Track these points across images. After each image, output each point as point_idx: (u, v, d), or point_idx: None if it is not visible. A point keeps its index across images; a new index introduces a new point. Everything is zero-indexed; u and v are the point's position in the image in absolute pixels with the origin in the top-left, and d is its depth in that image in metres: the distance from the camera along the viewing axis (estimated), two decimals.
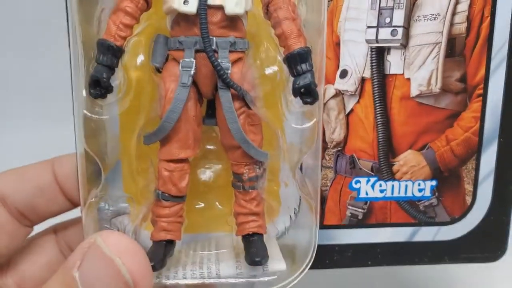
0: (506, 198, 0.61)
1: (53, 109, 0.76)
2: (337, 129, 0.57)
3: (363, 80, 0.56)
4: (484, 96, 0.58)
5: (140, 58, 0.43)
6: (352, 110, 0.57)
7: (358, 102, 0.57)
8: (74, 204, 0.57)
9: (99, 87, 0.41)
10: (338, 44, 0.55)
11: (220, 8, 0.42)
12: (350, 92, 0.57)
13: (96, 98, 0.41)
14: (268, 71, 0.44)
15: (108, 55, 0.41)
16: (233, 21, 0.42)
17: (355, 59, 0.56)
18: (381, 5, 0.55)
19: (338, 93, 0.57)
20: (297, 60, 0.42)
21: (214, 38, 0.42)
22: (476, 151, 0.59)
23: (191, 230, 0.50)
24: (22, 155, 0.88)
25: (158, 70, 0.45)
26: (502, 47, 0.57)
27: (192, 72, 0.42)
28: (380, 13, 0.55)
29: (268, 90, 0.43)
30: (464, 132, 0.59)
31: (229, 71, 0.42)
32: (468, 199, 0.61)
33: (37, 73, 0.90)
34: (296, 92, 0.43)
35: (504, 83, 0.58)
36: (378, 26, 0.55)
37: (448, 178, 0.60)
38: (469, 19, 0.56)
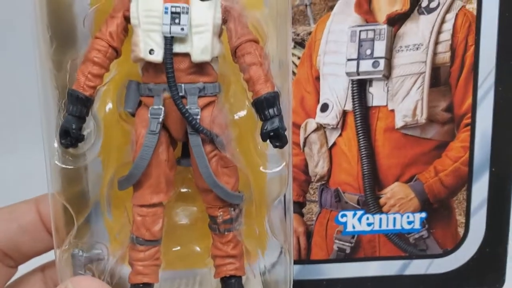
0: (501, 228, 0.59)
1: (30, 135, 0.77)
2: (320, 162, 0.57)
3: (344, 113, 0.56)
4: (472, 125, 0.56)
5: (109, 106, 0.43)
6: (334, 143, 0.56)
7: (340, 135, 0.56)
8: None
9: (69, 137, 0.42)
10: (317, 78, 0.55)
11: (187, 55, 0.42)
12: (331, 126, 0.56)
13: (67, 148, 0.41)
14: (237, 116, 0.44)
15: (78, 105, 0.41)
16: (201, 67, 0.42)
17: (336, 92, 0.55)
18: (361, 37, 0.54)
19: (320, 127, 0.56)
20: (264, 105, 0.42)
21: (183, 85, 0.42)
22: (466, 181, 0.58)
23: (174, 267, 0.50)
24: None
25: (132, 115, 0.46)
26: (489, 75, 0.56)
27: (160, 120, 0.42)
28: (360, 45, 0.54)
29: (237, 135, 0.43)
30: (453, 162, 0.57)
31: (198, 117, 0.42)
32: (461, 231, 0.59)
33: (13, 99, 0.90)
34: (265, 136, 0.42)
35: (492, 112, 0.56)
36: (358, 59, 0.55)
37: (438, 209, 0.58)
38: (453, 48, 0.55)
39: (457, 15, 0.54)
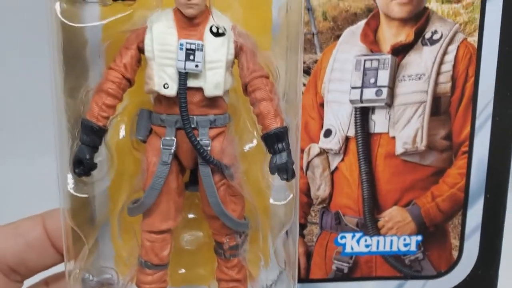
0: (494, 252, 0.61)
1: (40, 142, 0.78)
2: (322, 186, 0.58)
3: (347, 139, 0.57)
4: (469, 153, 0.58)
5: (122, 134, 0.44)
6: (336, 168, 0.58)
7: (342, 160, 0.58)
8: None
9: (82, 166, 0.43)
10: (322, 105, 0.56)
11: (200, 89, 0.43)
12: (334, 151, 0.57)
13: (80, 176, 0.42)
14: (247, 147, 0.45)
15: (91, 135, 0.43)
16: (213, 100, 0.43)
17: (339, 118, 0.56)
18: (366, 66, 0.56)
19: (323, 152, 0.57)
20: (274, 140, 0.43)
21: (195, 117, 0.43)
22: (462, 206, 0.60)
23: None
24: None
25: (143, 142, 0.47)
26: (487, 105, 0.57)
27: (172, 151, 0.43)
28: (364, 74, 0.56)
29: (246, 165, 0.44)
30: (450, 188, 0.59)
31: (209, 148, 0.44)
32: (455, 254, 0.61)
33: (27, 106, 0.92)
34: (273, 170, 0.44)
35: (489, 140, 0.58)
36: (362, 87, 0.56)
37: (434, 233, 0.60)
38: (453, 79, 0.57)
39: (458, 47, 0.56)
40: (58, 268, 0.61)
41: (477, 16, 0.55)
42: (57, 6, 0.39)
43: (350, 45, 0.55)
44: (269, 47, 0.48)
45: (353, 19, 0.54)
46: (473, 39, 0.56)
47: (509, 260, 0.61)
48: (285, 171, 0.43)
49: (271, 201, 0.44)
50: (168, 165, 0.43)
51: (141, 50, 0.44)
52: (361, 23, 0.55)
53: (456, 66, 0.56)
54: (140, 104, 0.45)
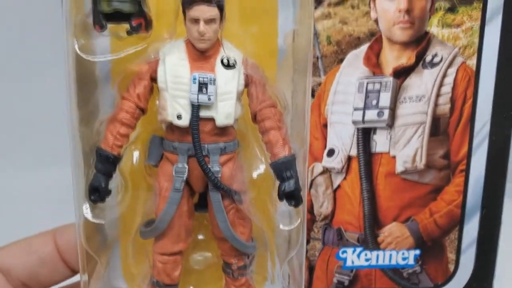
0: (488, 266, 0.63)
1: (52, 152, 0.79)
2: (325, 203, 0.60)
3: (349, 158, 0.59)
4: (467, 171, 0.60)
5: (135, 160, 0.46)
6: (339, 186, 0.60)
7: (345, 178, 0.59)
8: (76, 272, 0.60)
9: (98, 194, 0.44)
10: (325, 126, 0.58)
11: (212, 119, 0.44)
12: (337, 170, 0.59)
13: (95, 203, 0.44)
14: (256, 173, 0.47)
15: (106, 164, 0.44)
16: (224, 129, 0.45)
17: (342, 139, 0.58)
18: (368, 89, 0.57)
19: (326, 171, 0.59)
20: (282, 168, 0.45)
21: (206, 145, 0.45)
22: (458, 222, 0.62)
23: None
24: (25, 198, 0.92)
25: (155, 166, 0.48)
26: (484, 126, 0.59)
27: (184, 178, 0.45)
28: (367, 96, 0.57)
29: (255, 190, 0.46)
30: (447, 205, 0.61)
31: (219, 175, 0.45)
32: (451, 267, 0.64)
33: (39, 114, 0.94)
34: (282, 197, 0.45)
35: (486, 159, 0.60)
36: (364, 108, 0.58)
37: (431, 247, 0.62)
38: (452, 100, 0.58)
39: (458, 70, 0.57)
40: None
41: (476, 40, 0.57)
42: (75, 42, 0.40)
43: (353, 68, 0.56)
44: (275, 72, 0.50)
45: (356, 43, 0.56)
46: (472, 63, 0.58)
47: (503, 274, 0.64)
48: (293, 198, 0.45)
49: (281, 226, 0.46)
50: (181, 191, 0.45)
51: (153, 79, 0.45)
52: (364, 47, 0.56)
53: (455, 88, 0.58)
54: (152, 131, 0.46)
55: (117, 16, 0.42)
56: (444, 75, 0.58)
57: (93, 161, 0.44)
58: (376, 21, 0.56)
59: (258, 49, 0.48)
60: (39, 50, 0.84)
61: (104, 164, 0.44)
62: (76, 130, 0.43)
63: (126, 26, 0.44)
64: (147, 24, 0.43)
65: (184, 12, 0.43)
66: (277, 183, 0.45)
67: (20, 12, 0.86)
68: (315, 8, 0.54)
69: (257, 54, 0.47)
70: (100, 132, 0.43)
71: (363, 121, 0.58)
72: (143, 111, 0.46)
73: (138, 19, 0.42)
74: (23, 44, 0.86)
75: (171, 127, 0.45)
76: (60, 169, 0.63)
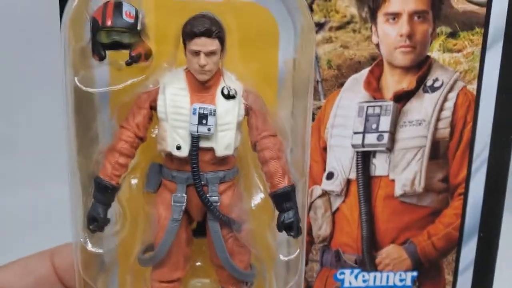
0: (485, 287, 0.64)
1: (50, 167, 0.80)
2: (324, 226, 0.60)
3: (348, 181, 0.59)
4: (465, 194, 0.61)
5: (134, 190, 0.46)
6: (338, 209, 0.60)
7: (344, 201, 0.60)
8: None
9: (96, 223, 0.44)
10: (325, 149, 0.58)
11: (211, 149, 0.44)
12: (336, 193, 0.59)
13: (94, 232, 0.44)
14: (255, 201, 0.46)
15: (104, 194, 0.44)
16: (223, 158, 0.45)
17: (341, 162, 0.58)
18: (368, 113, 0.57)
19: (325, 194, 0.59)
20: (281, 199, 0.45)
21: (205, 174, 0.44)
22: (456, 244, 0.62)
23: None
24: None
25: (154, 193, 0.48)
26: (483, 150, 0.59)
27: (183, 208, 0.45)
28: (367, 120, 0.57)
29: (253, 220, 0.46)
30: (445, 227, 0.62)
31: (218, 204, 0.45)
32: None
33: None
34: (281, 227, 0.45)
35: (484, 183, 0.61)
36: (364, 132, 0.58)
37: (429, 269, 0.63)
38: (452, 125, 0.58)
39: (458, 94, 0.57)
40: None
41: (477, 65, 0.57)
42: (76, 77, 0.40)
43: (353, 93, 0.56)
44: (275, 98, 0.50)
45: (357, 67, 0.56)
46: (472, 87, 0.58)
47: None
48: (292, 229, 0.45)
49: (281, 257, 0.46)
50: (179, 221, 0.45)
51: (153, 108, 0.45)
52: (365, 71, 0.56)
53: (455, 113, 0.58)
54: (151, 159, 0.46)
55: (116, 45, 0.42)
56: (445, 100, 0.58)
57: (91, 191, 0.43)
58: (377, 45, 0.56)
59: (257, 77, 0.48)
60: (37, 75, 0.84)
61: (102, 194, 0.44)
62: (74, 160, 0.43)
63: (125, 52, 0.43)
64: (147, 54, 0.43)
65: (184, 43, 0.43)
66: (276, 213, 0.45)
67: (19, 37, 0.86)
68: (317, 32, 0.54)
69: (257, 81, 0.47)
70: (99, 161, 0.43)
71: (363, 145, 0.58)
72: (142, 139, 0.45)
73: (137, 50, 0.41)
74: (22, 68, 0.87)
75: (170, 156, 0.45)
76: (57, 186, 0.63)
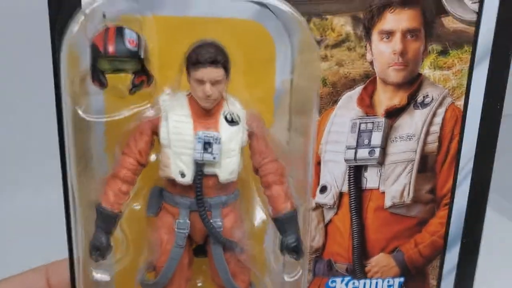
0: None
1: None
2: (317, 237, 0.62)
3: (341, 194, 0.60)
4: (450, 204, 0.63)
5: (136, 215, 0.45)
6: (330, 221, 0.61)
7: (336, 213, 0.61)
8: None
9: (99, 251, 0.44)
10: (318, 163, 0.59)
11: (215, 175, 0.44)
12: (329, 205, 0.60)
13: (97, 261, 0.43)
14: (256, 223, 0.47)
15: (107, 222, 0.43)
16: (226, 183, 0.45)
17: (335, 176, 0.59)
18: (361, 128, 0.58)
19: (318, 206, 0.60)
20: (284, 223, 0.46)
21: (208, 199, 0.45)
22: (441, 251, 0.65)
23: None
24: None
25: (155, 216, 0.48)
26: (468, 162, 0.62)
27: (187, 233, 0.45)
28: (359, 136, 0.58)
29: (255, 241, 0.47)
30: (431, 236, 0.64)
31: (221, 229, 0.46)
32: None
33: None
34: (283, 250, 0.46)
35: (468, 193, 0.63)
36: (357, 147, 0.59)
37: (415, 275, 0.65)
38: (440, 139, 0.60)
39: (446, 110, 0.59)
40: None
41: (465, 82, 0.59)
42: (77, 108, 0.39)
43: (347, 109, 0.57)
44: (272, 116, 0.50)
45: (351, 84, 0.57)
46: (460, 103, 0.59)
47: None
48: (295, 252, 0.46)
49: (285, 278, 0.47)
50: (183, 247, 0.45)
51: (155, 134, 0.44)
52: (359, 88, 0.57)
53: (443, 128, 0.60)
54: (153, 184, 0.45)
55: (118, 71, 0.41)
56: (434, 115, 0.60)
57: (86, 217, 0.43)
58: (371, 63, 0.56)
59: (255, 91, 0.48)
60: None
61: (105, 222, 0.43)
62: (74, 186, 0.42)
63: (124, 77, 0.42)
64: (149, 79, 0.42)
65: (188, 71, 0.42)
66: (279, 236, 0.46)
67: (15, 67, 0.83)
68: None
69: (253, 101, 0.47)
70: (99, 189, 0.42)
71: (355, 159, 0.59)
72: (143, 166, 0.45)
73: (140, 77, 0.40)
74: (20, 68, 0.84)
75: (173, 181, 0.45)
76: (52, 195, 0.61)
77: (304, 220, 0.46)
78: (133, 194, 0.44)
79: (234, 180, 0.45)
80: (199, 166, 0.43)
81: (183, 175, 0.43)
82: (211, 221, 0.45)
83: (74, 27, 0.37)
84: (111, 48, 0.38)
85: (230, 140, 0.44)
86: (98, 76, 0.40)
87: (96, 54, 0.39)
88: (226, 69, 0.42)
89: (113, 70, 0.39)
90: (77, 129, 0.41)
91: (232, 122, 0.44)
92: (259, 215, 0.48)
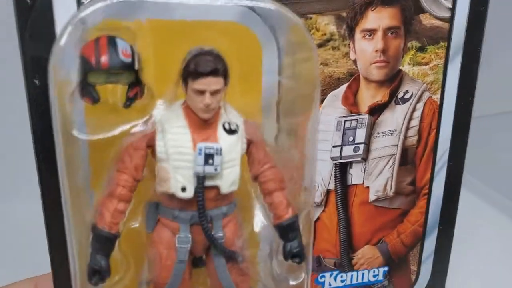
0: (442, 272, 0.71)
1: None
2: (305, 234, 0.62)
3: (328, 192, 0.61)
4: (429, 194, 0.66)
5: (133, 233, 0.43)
6: (318, 218, 0.62)
7: (324, 211, 0.62)
8: None
9: (98, 275, 0.41)
10: None
11: (216, 187, 0.43)
12: (317, 203, 0.61)
13: (96, 285, 0.41)
14: (256, 229, 0.47)
15: (104, 244, 0.41)
16: (227, 194, 0.44)
17: (322, 174, 0.60)
18: (346, 126, 0.59)
19: None
20: (286, 229, 0.45)
21: (209, 212, 0.43)
22: (421, 239, 0.68)
23: None
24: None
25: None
26: (444, 153, 0.64)
27: (189, 248, 0.43)
28: (344, 133, 0.59)
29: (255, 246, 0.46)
30: (412, 225, 0.67)
31: (223, 240, 0.45)
32: (413, 277, 0.70)
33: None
34: (287, 256, 0.46)
35: (444, 182, 0.66)
36: (342, 145, 0.59)
37: (398, 263, 0.68)
38: (419, 132, 0.62)
39: (425, 104, 0.61)
40: None
41: (441, 76, 0.61)
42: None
43: (332, 108, 0.58)
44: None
45: (336, 83, 0.57)
46: (437, 97, 0.62)
47: (454, 278, 0.72)
48: (298, 257, 0.46)
49: (291, 282, 0.47)
50: (185, 262, 0.44)
51: (150, 147, 0.42)
52: (343, 87, 0.57)
53: (422, 121, 0.62)
54: (143, 199, 0.43)
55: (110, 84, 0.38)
56: (413, 110, 0.61)
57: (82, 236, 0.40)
58: (354, 61, 0.57)
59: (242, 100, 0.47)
60: None
61: (102, 244, 0.41)
62: (67, 203, 0.39)
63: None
64: (142, 90, 0.40)
65: (185, 81, 0.40)
66: (281, 242, 0.46)
67: None
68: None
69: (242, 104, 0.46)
70: (96, 210, 0.40)
71: (341, 157, 0.60)
72: (138, 181, 0.43)
73: (134, 89, 0.38)
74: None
75: (170, 195, 0.43)
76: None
77: (306, 222, 0.46)
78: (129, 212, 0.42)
79: (235, 190, 0.44)
80: (200, 179, 0.41)
81: (184, 190, 0.41)
82: (212, 233, 0.44)
83: (62, 39, 0.34)
84: (104, 61, 0.35)
85: (230, 150, 0.42)
86: (89, 92, 0.37)
87: (87, 67, 0.36)
88: (226, 77, 0.41)
89: (105, 83, 0.37)
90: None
91: (230, 131, 0.43)
92: (258, 221, 0.47)
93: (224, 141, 0.42)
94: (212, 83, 0.39)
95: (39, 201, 0.46)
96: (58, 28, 0.42)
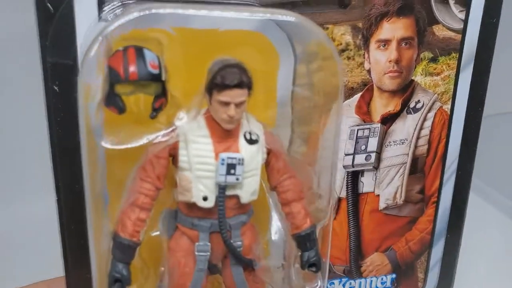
0: (449, 280, 0.72)
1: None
2: None
3: (339, 199, 0.62)
4: (437, 202, 0.67)
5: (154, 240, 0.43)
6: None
7: (334, 218, 0.62)
8: None
9: (120, 283, 0.41)
10: None
11: (236, 196, 0.43)
12: None
13: None
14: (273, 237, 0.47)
15: (126, 252, 0.41)
16: (246, 203, 0.44)
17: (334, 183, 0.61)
18: (358, 135, 0.60)
19: None
20: (304, 239, 0.46)
21: (228, 220, 0.44)
22: (429, 246, 0.69)
23: None
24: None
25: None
26: (453, 162, 0.65)
27: (208, 256, 0.44)
28: (357, 142, 0.60)
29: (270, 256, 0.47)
30: (420, 233, 0.68)
31: (241, 248, 0.45)
32: (420, 285, 0.71)
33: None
34: (305, 266, 0.46)
35: (452, 191, 0.67)
36: (354, 153, 0.60)
37: (405, 270, 0.69)
38: (429, 142, 0.63)
39: (436, 114, 0.62)
40: None
41: (452, 86, 0.62)
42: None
43: (346, 117, 0.58)
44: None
45: (350, 93, 0.57)
46: (447, 107, 0.62)
47: (460, 285, 0.73)
48: (315, 266, 0.46)
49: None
50: (204, 270, 0.44)
51: (171, 156, 0.42)
52: (357, 96, 0.58)
53: (433, 131, 0.63)
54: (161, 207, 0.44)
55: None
56: (424, 119, 0.62)
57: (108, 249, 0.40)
58: (368, 71, 0.57)
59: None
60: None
61: (123, 252, 0.41)
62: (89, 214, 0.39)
63: None
64: (167, 101, 0.40)
65: (210, 92, 0.40)
66: (299, 251, 0.46)
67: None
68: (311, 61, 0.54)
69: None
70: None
71: (353, 165, 0.60)
72: (160, 189, 0.43)
73: (160, 100, 0.38)
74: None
75: (191, 204, 0.43)
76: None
77: (324, 232, 0.46)
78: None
79: (255, 200, 0.44)
80: (221, 189, 0.42)
81: (205, 199, 0.42)
82: (231, 241, 0.44)
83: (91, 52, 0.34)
84: (132, 72, 0.35)
85: (252, 160, 0.43)
86: (115, 101, 0.37)
87: (114, 78, 0.36)
88: (250, 89, 0.41)
89: (132, 94, 0.37)
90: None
91: (251, 141, 0.43)
92: (274, 229, 0.47)
93: (245, 151, 0.42)
94: (237, 95, 0.40)
95: (54, 204, 0.47)
96: (79, 36, 0.42)
